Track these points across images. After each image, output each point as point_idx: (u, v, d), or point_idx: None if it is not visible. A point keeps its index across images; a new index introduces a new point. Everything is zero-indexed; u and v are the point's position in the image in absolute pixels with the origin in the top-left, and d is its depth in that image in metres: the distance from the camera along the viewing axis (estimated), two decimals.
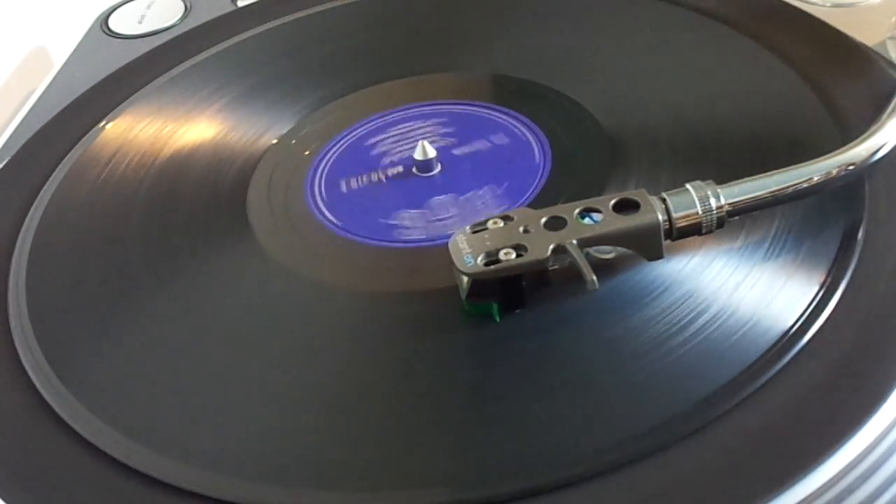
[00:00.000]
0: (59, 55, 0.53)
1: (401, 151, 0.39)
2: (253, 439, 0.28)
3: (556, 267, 0.29)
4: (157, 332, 0.32)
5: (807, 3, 0.44)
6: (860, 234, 0.30)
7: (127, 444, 0.28)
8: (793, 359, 0.27)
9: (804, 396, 0.26)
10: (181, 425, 0.29)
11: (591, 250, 0.29)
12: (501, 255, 0.29)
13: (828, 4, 0.44)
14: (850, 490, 0.25)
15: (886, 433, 0.25)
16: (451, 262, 0.29)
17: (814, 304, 0.28)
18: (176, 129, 0.42)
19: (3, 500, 0.27)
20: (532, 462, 0.26)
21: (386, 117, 0.41)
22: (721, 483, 0.24)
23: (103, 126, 0.43)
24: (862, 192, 0.32)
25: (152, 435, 0.28)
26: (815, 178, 0.30)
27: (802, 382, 0.26)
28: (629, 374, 0.27)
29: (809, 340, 0.27)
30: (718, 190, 0.29)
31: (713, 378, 0.27)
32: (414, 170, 0.37)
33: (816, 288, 0.29)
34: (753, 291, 0.29)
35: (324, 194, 0.37)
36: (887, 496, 0.25)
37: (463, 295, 0.30)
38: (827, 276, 0.29)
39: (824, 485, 0.24)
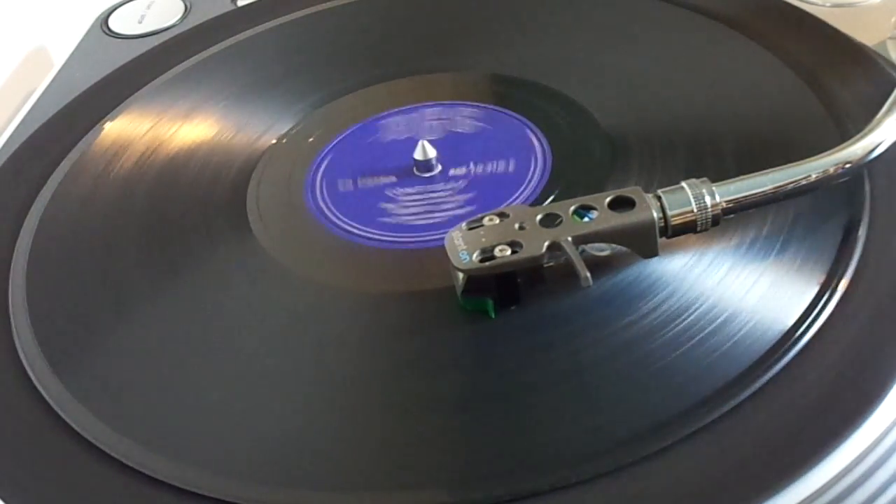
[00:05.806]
0: (59, 55, 0.53)
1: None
2: (252, 439, 0.28)
3: (551, 264, 0.29)
4: (157, 332, 0.32)
5: (807, 3, 0.44)
6: (860, 234, 0.30)
7: (127, 444, 0.28)
8: (792, 359, 0.27)
9: (804, 397, 0.26)
10: (181, 425, 0.29)
11: (587, 247, 0.30)
12: (497, 252, 0.29)
13: (828, 4, 0.44)
14: (849, 490, 0.25)
15: (886, 433, 0.25)
16: (448, 259, 0.29)
17: (814, 304, 0.28)
18: (176, 129, 0.42)
19: (3, 500, 0.27)
20: (530, 462, 0.26)
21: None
22: (720, 484, 0.24)
23: (103, 126, 0.43)
24: (862, 192, 0.32)
25: (152, 435, 0.28)
26: (812, 176, 0.30)
27: (802, 383, 0.26)
28: (626, 373, 0.27)
29: (809, 340, 0.27)
30: (714, 188, 0.29)
31: (712, 378, 0.26)
32: (414, 170, 0.37)
33: (816, 288, 0.29)
34: (753, 291, 0.29)
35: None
36: (887, 496, 0.25)
37: (459, 291, 0.30)
38: (827, 276, 0.29)
39: (824, 485, 0.24)
